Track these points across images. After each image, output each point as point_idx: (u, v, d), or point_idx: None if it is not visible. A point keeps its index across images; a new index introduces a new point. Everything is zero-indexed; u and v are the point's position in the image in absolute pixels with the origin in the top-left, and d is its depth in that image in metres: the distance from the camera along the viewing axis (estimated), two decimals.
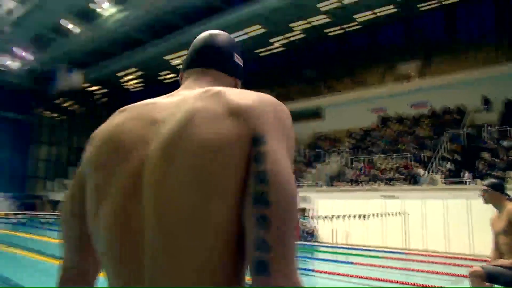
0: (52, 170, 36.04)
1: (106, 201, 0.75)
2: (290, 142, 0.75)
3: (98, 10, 20.20)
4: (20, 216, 27.61)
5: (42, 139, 36.96)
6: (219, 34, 1.03)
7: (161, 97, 0.88)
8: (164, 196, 0.69)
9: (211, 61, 0.97)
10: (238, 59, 1.03)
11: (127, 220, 0.73)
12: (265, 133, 0.70)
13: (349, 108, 22.89)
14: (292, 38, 24.50)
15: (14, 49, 25.46)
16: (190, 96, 0.78)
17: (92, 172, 0.79)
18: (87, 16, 20.98)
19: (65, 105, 38.04)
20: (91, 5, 20.06)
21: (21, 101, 34.27)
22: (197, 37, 1.04)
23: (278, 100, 0.79)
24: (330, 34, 24.39)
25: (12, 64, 27.60)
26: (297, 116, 25.15)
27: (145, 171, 0.72)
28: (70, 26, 21.97)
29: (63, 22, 21.80)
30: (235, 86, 0.99)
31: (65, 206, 0.89)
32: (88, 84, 33.32)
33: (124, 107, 0.86)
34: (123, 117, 0.82)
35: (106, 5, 19.54)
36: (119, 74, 30.89)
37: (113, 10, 19.80)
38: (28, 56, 26.18)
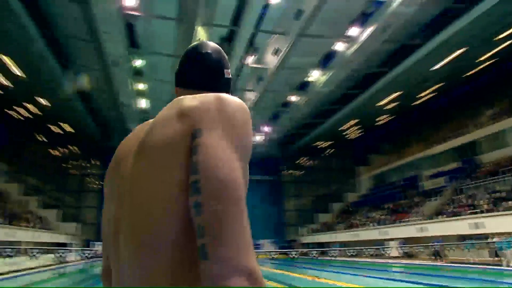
0: (301, 218, 42.03)
1: (108, 200, 0.95)
2: (236, 133, 0.78)
3: (310, 79, 24.58)
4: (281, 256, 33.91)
5: (290, 193, 43.96)
6: (210, 52, 1.07)
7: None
8: (134, 185, 0.82)
9: (203, 84, 1.04)
10: (227, 73, 1.09)
11: (116, 211, 0.87)
12: (201, 128, 0.77)
13: None
14: (500, 49, 22.64)
15: (260, 126, 32.89)
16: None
17: (104, 180, 1.00)
18: (303, 86, 25.73)
19: (303, 162, 44.51)
20: (305, 78, 24.71)
21: (270, 166, 42.50)
22: (190, 52, 1.09)
23: (232, 98, 0.85)
24: None
25: (259, 138, 35.45)
26: None
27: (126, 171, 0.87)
28: (292, 98, 27.28)
29: (288, 97, 27.38)
30: None
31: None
32: (316, 142, 38.75)
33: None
34: (127, 136, 0.99)
35: (315, 73, 23.66)
36: (340, 128, 34.87)
37: (319, 75, 23.67)
38: (268, 129, 33.20)
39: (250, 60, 21.16)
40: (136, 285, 0.78)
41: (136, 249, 0.78)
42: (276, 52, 20.79)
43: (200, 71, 1.06)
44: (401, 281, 13.99)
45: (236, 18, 17.95)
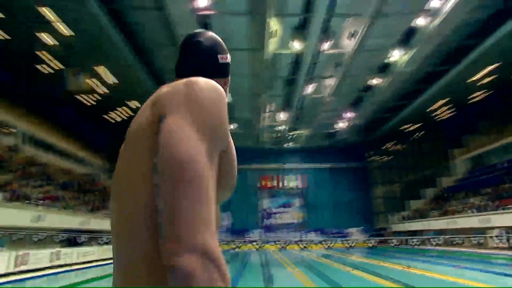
0: (390, 205, 40.32)
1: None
2: (203, 114, 0.79)
3: (391, 59, 23.22)
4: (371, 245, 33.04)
5: (378, 179, 42.40)
6: (202, 40, 1.08)
7: None
8: (120, 176, 0.89)
9: (196, 72, 1.00)
10: (223, 58, 1.09)
11: (112, 206, 0.92)
12: (166, 112, 0.80)
13: None
14: None
15: (342, 113, 32.02)
16: None
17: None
18: (384, 68, 24.42)
19: (390, 147, 42.49)
20: (385, 60, 23.42)
21: (355, 152, 41.39)
22: (183, 43, 1.10)
23: (203, 80, 0.86)
24: None
25: (342, 125, 34.55)
26: None
27: None
28: (374, 81, 26.04)
29: (369, 81, 26.22)
30: (224, 85, 1.09)
31: None
32: (403, 125, 36.62)
33: None
34: None
35: (395, 52, 22.26)
36: (428, 109, 32.45)
37: (400, 54, 22.21)
38: (351, 115, 32.17)
39: (326, 46, 20.59)
40: (117, 270, 0.85)
41: (118, 233, 0.86)
42: (352, 35, 20.02)
43: (193, 60, 1.07)
44: (506, 275, 12.63)
45: (308, 5, 17.60)
